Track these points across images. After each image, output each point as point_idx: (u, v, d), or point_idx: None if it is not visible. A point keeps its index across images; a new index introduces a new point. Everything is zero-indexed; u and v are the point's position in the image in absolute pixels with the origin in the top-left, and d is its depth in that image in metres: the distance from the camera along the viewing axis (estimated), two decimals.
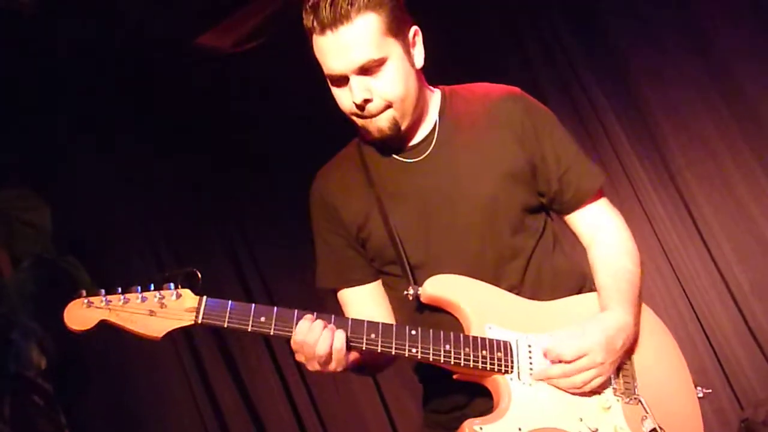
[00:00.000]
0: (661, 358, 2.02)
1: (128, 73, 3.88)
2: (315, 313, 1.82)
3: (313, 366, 1.81)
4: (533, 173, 2.03)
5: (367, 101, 1.89)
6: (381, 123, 1.93)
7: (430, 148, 2.02)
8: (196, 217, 4.15)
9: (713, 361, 3.83)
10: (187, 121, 4.08)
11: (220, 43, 3.98)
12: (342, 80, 1.90)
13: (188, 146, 4.09)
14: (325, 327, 1.78)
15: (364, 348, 1.82)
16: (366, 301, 2.11)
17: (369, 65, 1.87)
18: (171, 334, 1.76)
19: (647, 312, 2.08)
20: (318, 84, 2.00)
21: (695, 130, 3.97)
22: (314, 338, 1.77)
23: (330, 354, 1.78)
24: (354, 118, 1.96)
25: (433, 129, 2.04)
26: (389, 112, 1.92)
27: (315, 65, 1.94)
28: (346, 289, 2.13)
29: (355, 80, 1.88)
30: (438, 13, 4.06)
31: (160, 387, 3.90)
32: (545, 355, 1.87)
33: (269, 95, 4.06)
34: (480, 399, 1.93)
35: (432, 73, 2.06)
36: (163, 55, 3.83)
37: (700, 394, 2.00)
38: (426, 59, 2.01)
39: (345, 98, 1.93)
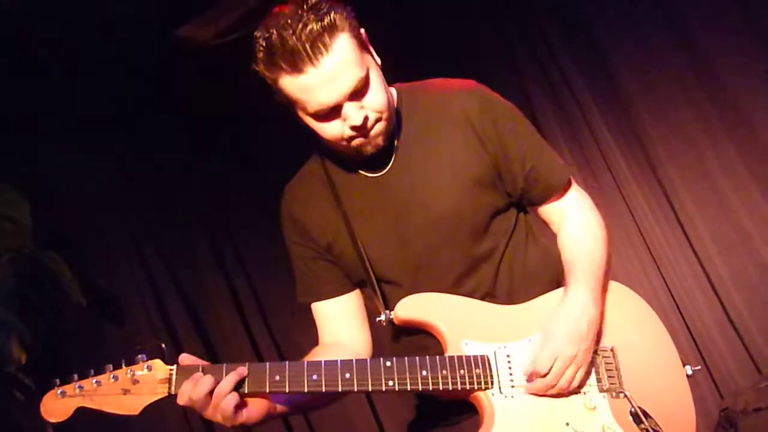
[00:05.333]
0: (645, 341, 2.01)
1: (110, 67, 3.85)
2: (288, 363, 1.77)
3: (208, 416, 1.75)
4: (498, 174, 1.98)
5: (366, 119, 1.81)
6: (376, 137, 1.87)
7: (391, 160, 1.96)
8: (179, 213, 4.12)
9: (693, 350, 3.85)
10: (171, 116, 4.04)
11: (202, 35, 3.94)
12: (331, 112, 1.81)
13: (171, 142, 4.05)
14: (213, 385, 1.71)
15: (340, 390, 1.77)
16: (338, 315, 2.08)
17: (359, 85, 1.79)
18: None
19: (630, 295, 2.08)
20: None
21: (676, 122, 3.99)
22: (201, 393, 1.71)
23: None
24: (344, 144, 1.87)
25: (392, 140, 1.96)
26: (381, 124, 1.86)
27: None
28: (318, 303, 2.09)
29: (349, 105, 1.79)
30: (419, 7, 4.08)
31: None
32: (528, 378, 1.85)
33: (257, 90, 4.02)
34: (473, 415, 1.90)
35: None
36: (147, 49, 3.79)
37: (690, 372, 2.01)
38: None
39: (334, 128, 1.83)
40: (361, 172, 1.99)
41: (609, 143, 4.06)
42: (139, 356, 1.75)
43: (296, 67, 1.74)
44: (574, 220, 2.06)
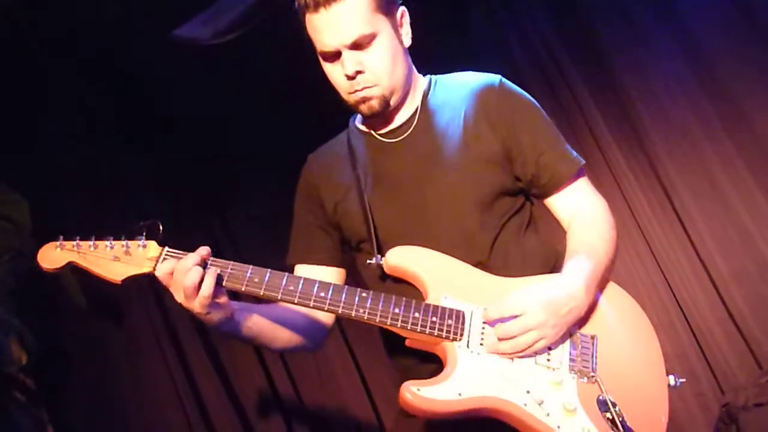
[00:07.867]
0: (631, 341, 2.01)
1: (108, 65, 3.85)
2: (270, 270, 1.87)
3: (180, 297, 1.84)
4: (508, 158, 2.08)
5: (358, 72, 1.99)
6: (372, 100, 2.03)
7: (410, 131, 2.12)
8: (179, 212, 4.11)
9: (694, 346, 3.86)
10: (169, 114, 4.04)
11: (199, 35, 3.94)
12: (335, 56, 2.01)
13: (171, 141, 4.06)
14: (198, 263, 1.82)
15: (311, 305, 1.86)
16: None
17: (361, 40, 1.97)
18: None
19: (623, 295, 2.09)
20: (303, 75, 2.04)
21: (675, 119, 3.99)
22: (185, 268, 1.81)
23: (195, 289, 1.80)
24: (346, 96, 2.05)
25: (414, 113, 2.13)
26: (378, 89, 2.02)
27: (303, 49, 2.04)
28: (302, 265, 2.21)
29: (348, 54, 1.98)
30: (419, 6, 4.08)
31: (143, 382, 3.89)
32: (486, 315, 1.88)
33: (253, 88, 4.03)
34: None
35: (419, 60, 2.15)
36: (144, 47, 3.80)
37: (672, 382, 1.98)
38: (413, 45, 2.11)
39: (338, 74, 2.03)
40: (378, 137, 2.16)
41: (608, 141, 4.07)
42: (139, 236, 1.88)
43: (314, 6, 1.97)
44: (586, 217, 2.11)
